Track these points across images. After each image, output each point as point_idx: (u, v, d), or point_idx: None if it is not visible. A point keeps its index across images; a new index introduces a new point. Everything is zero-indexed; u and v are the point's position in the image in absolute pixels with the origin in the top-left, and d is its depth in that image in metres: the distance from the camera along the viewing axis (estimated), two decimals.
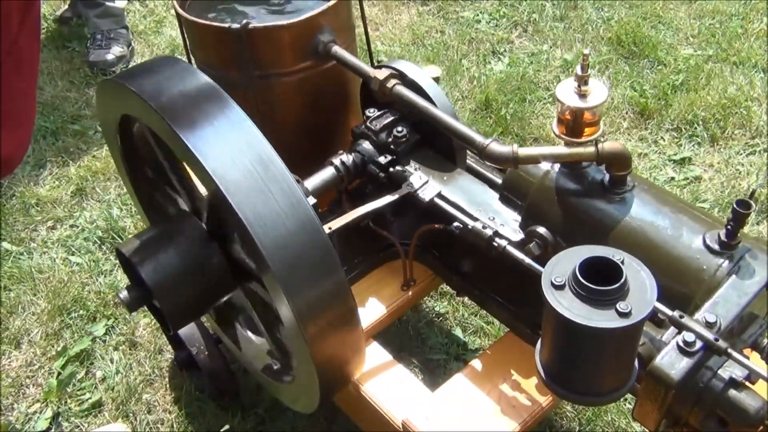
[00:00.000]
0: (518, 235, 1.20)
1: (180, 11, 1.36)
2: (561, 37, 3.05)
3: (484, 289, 1.37)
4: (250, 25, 1.29)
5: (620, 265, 0.80)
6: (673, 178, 2.39)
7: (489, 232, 1.19)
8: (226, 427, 1.78)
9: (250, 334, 1.43)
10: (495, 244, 1.18)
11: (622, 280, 0.79)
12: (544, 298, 0.80)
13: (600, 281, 0.79)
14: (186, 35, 1.41)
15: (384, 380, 1.30)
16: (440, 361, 1.90)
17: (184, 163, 1.13)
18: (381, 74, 1.27)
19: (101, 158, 2.62)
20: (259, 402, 1.85)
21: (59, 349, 2.00)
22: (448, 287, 2.06)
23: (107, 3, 3.04)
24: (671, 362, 0.91)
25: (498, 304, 1.35)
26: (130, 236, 1.28)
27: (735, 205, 0.98)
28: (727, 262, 1.01)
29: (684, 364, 0.91)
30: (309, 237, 1.01)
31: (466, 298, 2.03)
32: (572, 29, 3.11)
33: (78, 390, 1.92)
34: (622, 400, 1.77)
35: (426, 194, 1.29)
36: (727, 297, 0.97)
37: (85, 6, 3.06)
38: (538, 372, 0.91)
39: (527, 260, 1.14)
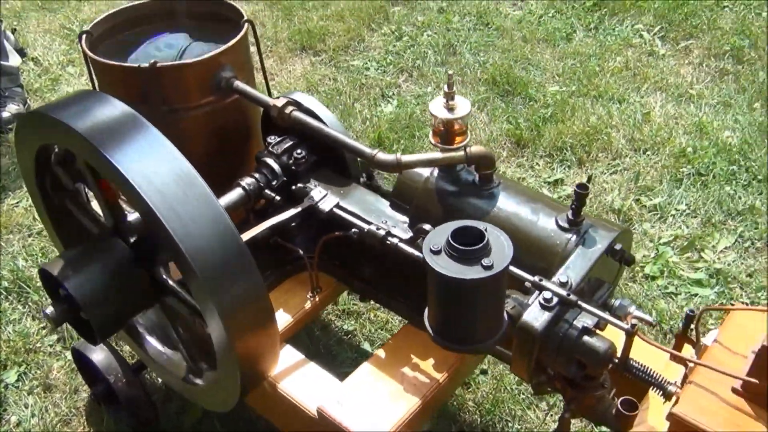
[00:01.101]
0: (408, 234, 1.38)
1: (90, 54, 1.49)
2: (443, 80, 3.34)
3: (382, 290, 1.54)
4: (158, 64, 1.44)
5: (483, 231, 0.99)
6: None
7: (382, 232, 1.37)
8: None
9: (168, 350, 1.52)
10: (388, 242, 1.36)
11: (485, 241, 0.97)
12: (425, 263, 0.98)
13: (468, 245, 0.97)
14: (94, 75, 1.53)
15: (298, 376, 1.43)
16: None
17: (111, 184, 1.24)
18: (280, 102, 1.45)
19: (2, 212, 2.63)
20: (179, 426, 1.91)
21: None
22: (354, 308, 2.22)
23: (1, 62, 3.07)
24: (535, 317, 1.11)
25: (396, 300, 1.52)
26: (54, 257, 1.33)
27: (576, 188, 1.20)
28: (574, 236, 1.23)
29: (545, 317, 1.10)
30: (228, 243, 1.14)
31: (371, 316, 2.20)
32: (453, 73, 3.41)
33: None
34: (516, 390, 1.97)
35: (326, 205, 1.45)
36: (576, 263, 1.18)
37: None
38: (427, 332, 1.07)
39: (416, 253, 1.31)
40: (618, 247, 1.22)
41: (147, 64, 1.44)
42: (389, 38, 3.75)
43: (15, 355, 2.11)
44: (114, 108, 1.17)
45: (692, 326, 1.21)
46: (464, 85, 3.34)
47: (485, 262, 0.96)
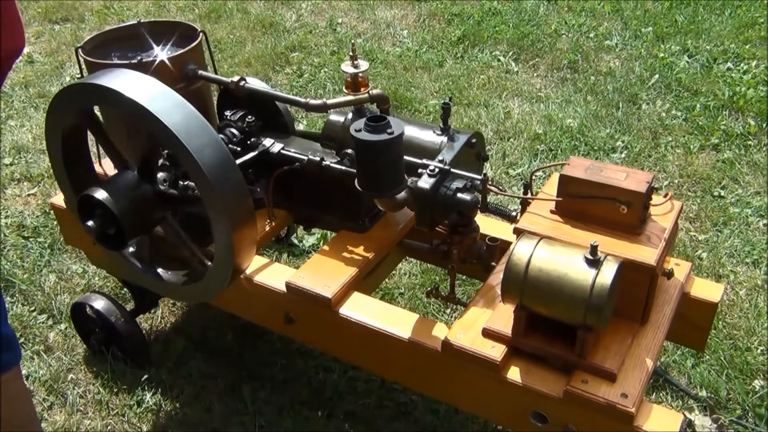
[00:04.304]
0: (337, 159, 1.99)
1: (88, 58, 2.03)
2: None
3: (322, 213, 2.12)
4: (143, 60, 2.00)
5: (386, 116, 1.60)
6: None
7: (318, 158, 1.97)
8: (146, 375, 2.28)
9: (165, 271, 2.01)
10: (324, 165, 1.96)
11: (387, 120, 1.59)
12: (352, 138, 1.58)
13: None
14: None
15: (267, 270, 1.98)
16: None
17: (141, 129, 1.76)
18: (235, 78, 2.04)
19: None
20: (167, 358, 2.38)
21: None
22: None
23: None
24: (425, 182, 1.72)
25: (331, 217, 2.10)
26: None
27: (442, 105, 1.86)
28: (445, 138, 1.87)
29: (431, 181, 1.72)
30: (225, 159, 1.68)
31: None
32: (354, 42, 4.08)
33: None
34: (427, 302, 2.56)
35: (275, 149, 2.04)
36: (447, 151, 1.82)
37: None
38: (359, 191, 1.66)
39: (345, 169, 1.92)
40: (473, 141, 1.88)
41: (135, 61, 2.00)
42: (292, 77, 4.41)
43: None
44: (134, 75, 1.72)
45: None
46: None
47: (388, 131, 1.57)
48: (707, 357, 2.30)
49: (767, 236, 2.86)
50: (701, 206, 3.06)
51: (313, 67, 4.48)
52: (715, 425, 2.09)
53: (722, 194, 3.14)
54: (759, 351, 2.33)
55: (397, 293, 2.64)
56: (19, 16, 1.42)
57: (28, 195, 3.32)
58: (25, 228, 3.07)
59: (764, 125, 3.59)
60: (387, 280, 2.69)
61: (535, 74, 4.33)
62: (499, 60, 4.50)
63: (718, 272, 2.68)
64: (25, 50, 4.83)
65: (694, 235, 2.90)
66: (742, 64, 4.21)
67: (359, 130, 1.59)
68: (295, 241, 2.89)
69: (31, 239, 2.99)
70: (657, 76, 4.12)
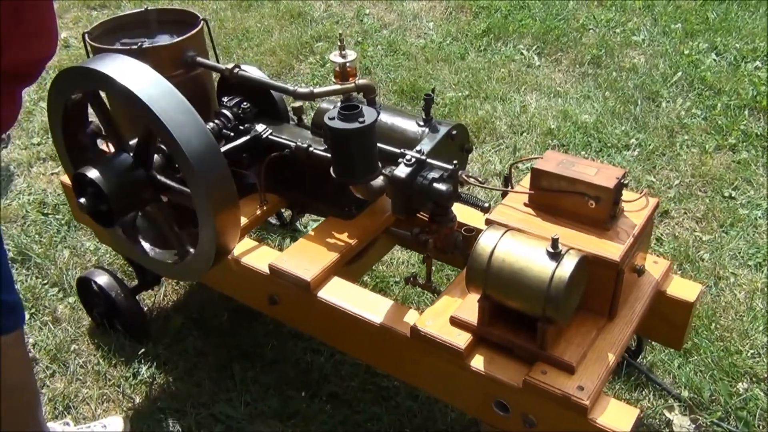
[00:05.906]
0: (324, 146, 2.04)
1: (92, 43, 2.13)
2: None
3: (311, 198, 2.18)
4: (144, 46, 2.08)
5: (360, 105, 1.65)
6: None
7: (306, 146, 2.02)
8: (143, 350, 2.38)
9: (155, 249, 2.09)
10: (310, 151, 2.01)
11: (359, 109, 1.63)
12: (326, 126, 1.63)
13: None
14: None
15: (253, 253, 2.05)
16: None
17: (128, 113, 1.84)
18: (230, 65, 2.11)
19: (1, 209, 3.18)
20: (165, 334, 2.48)
21: None
22: None
23: None
24: (401, 171, 1.76)
25: (319, 204, 2.16)
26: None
27: (424, 96, 1.89)
28: (427, 129, 1.91)
29: (408, 170, 1.76)
30: (209, 147, 1.74)
31: None
32: (342, 33, 4.14)
33: None
34: (418, 291, 2.60)
35: (266, 135, 2.10)
36: (426, 141, 1.85)
37: None
38: (332, 177, 1.71)
39: (328, 155, 1.97)
40: (454, 132, 1.91)
41: (135, 46, 2.08)
42: (315, 66, 4.48)
43: (25, 302, 2.64)
44: (129, 62, 1.79)
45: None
46: (378, 95, 4.06)
47: (360, 120, 1.62)
48: (695, 358, 2.29)
49: None
50: (709, 207, 3.02)
51: None
52: (693, 425, 2.08)
53: (733, 195, 3.09)
54: (749, 354, 2.30)
55: (392, 281, 2.68)
56: (51, 25, 1.47)
57: (52, 174, 3.46)
58: (46, 205, 3.20)
59: None
60: (384, 268, 2.74)
61: (557, 69, 4.30)
62: (522, 54, 4.48)
63: (718, 273, 2.65)
64: (63, 35, 5.02)
65: (699, 236, 2.86)
66: None
67: (333, 119, 1.64)
68: (299, 227, 2.96)
69: (50, 216, 3.12)
70: (680, 73, 4.05)
